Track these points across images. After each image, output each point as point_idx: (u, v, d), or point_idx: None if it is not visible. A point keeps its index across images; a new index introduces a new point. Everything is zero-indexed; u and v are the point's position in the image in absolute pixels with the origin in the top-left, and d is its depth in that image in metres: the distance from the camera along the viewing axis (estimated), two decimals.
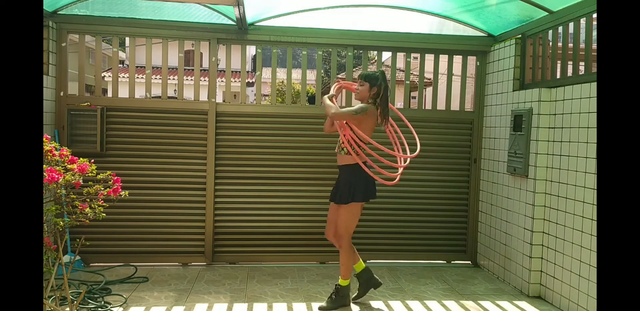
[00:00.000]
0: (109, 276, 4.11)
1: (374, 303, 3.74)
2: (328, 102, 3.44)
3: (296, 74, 19.91)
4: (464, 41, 4.80)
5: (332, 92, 3.62)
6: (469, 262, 4.95)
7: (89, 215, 2.85)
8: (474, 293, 4.07)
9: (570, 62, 3.88)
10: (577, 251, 3.52)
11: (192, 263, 4.63)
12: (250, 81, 20.27)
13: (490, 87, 4.78)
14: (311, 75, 17.78)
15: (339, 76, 3.82)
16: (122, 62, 22.08)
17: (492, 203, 4.63)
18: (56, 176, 2.66)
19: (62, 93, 4.45)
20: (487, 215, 4.73)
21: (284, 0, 4.35)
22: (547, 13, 3.94)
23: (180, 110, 4.60)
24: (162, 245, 4.60)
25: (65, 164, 2.89)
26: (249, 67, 22.48)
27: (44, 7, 4.12)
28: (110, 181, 2.97)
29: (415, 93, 18.09)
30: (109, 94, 5.19)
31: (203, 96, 4.86)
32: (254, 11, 4.30)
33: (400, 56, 4.92)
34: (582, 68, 3.67)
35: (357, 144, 3.38)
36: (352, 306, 3.67)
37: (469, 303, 3.80)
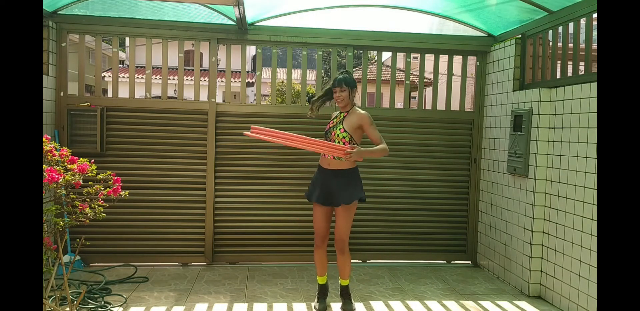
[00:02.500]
0: (109, 276, 4.11)
1: (374, 303, 3.74)
2: (369, 149, 3.33)
3: (296, 74, 19.89)
4: (464, 41, 4.80)
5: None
6: (469, 262, 4.96)
7: (89, 215, 2.85)
8: (474, 293, 4.07)
9: (570, 62, 3.88)
10: (577, 251, 3.52)
11: (192, 263, 4.63)
12: (250, 81, 20.28)
13: (490, 87, 4.78)
14: (311, 75, 17.78)
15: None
16: (122, 62, 22.09)
17: (492, 203, 4.63)
18: (56, 176, 2.66)
19: (62, 93, 4.45)
20: (487, 215, 4.73)
21: (284, 0, 4.35)
22: (547, 13, 3.94)
23: (180, 110, 4.60)
24: (162, 245, 4.60)
25: (65, 164, 2.89)
26: (249, 67, 22.48)
27: (44, 7, 4.12)
28: (110, 181, 2.97)
29: (415, 93, 18.12)
30: (109, 94, 5.19)
31: (203, 96, 4.86)
32: (254, 11, 4.30)
33: (400, 56, 4.92)
34: (582, 68, 3.67)
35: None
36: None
37: (469, 303, 3.80)
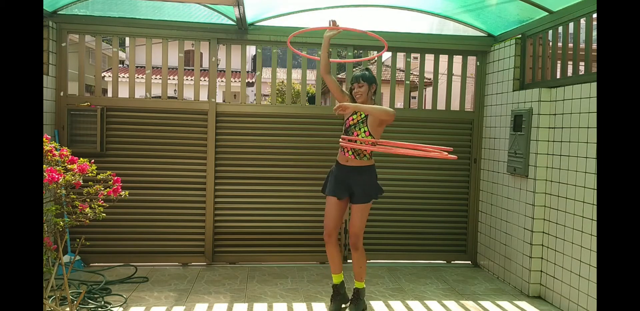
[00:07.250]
0: (109, 276, 4.11)
1: (374, 303, 3.74)
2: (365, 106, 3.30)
3: (296, 74, 19.87)
4: (464, 41, 4.80)
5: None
6: (469, 262, 4.96)
7: (89, 215, 2.85)
8: (474, 293, 4.07)
9: (570, 62, 3.88)
10: (577, 251, 3.53)
11: (192, 263, 4.63)
12: (250, 81, 20.27)
13: (490, 87, 4.78)
14: (311, 75, 17.77)
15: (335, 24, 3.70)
16: (122, 62, 22.09)
17: (492, 203, 4.63)
18: (56, 176, 2.66)
19: (62, 93, 4.45)
20: (487, 215, 4.73)
21: (284, 0, 4.35)
22: (547, 13, 3.94)
23: (180, 110, 4.60)
24: (162, 245, 4.60)
25: (66, 164, 2.89)
26: (249, 67, 22.48)
27: (44, 7, 4.12)
28: (110, 181, 2.97)
29: (415, 94, 18.10)
30: (109, 94, 5.19)
31: (203, 96, 4.86)
32: (254, 11, 4.30)
33: (400, 56, 4.92)
34: (582, 68, 3.67)
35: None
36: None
37: (469, 303, 3.81)
